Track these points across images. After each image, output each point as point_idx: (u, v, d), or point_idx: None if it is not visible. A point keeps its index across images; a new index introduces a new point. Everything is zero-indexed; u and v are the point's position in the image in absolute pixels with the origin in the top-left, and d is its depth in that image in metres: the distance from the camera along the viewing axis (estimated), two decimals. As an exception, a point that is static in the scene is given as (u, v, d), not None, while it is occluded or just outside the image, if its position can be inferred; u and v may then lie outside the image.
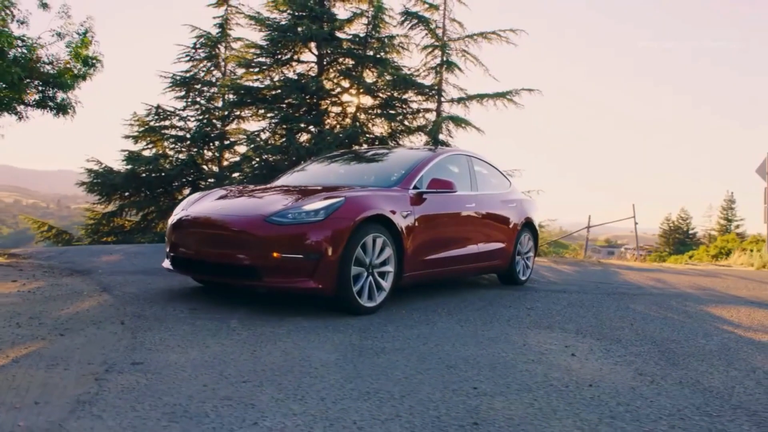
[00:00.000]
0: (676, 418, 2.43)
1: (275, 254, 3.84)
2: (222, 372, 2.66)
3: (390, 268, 4.33)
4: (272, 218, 3.93)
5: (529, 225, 6.50)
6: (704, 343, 3.92)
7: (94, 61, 8.01)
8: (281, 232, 3.87)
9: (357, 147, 11.60)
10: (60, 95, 7.86)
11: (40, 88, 7.76)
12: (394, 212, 4.36)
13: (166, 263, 4.57)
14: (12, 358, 2.72)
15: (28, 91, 7.66)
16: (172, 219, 4.56)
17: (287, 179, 5.65)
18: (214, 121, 14.60)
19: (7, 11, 7.33)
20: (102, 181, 13.15)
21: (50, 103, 7.80)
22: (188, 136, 14.24)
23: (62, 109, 7.88)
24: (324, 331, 3.60)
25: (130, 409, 2.15)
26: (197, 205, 4.57)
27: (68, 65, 7.85)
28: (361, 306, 4.11)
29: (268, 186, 5.25)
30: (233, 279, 4.07)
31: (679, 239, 54.91)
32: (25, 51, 7.46)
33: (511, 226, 6.08)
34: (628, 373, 3.08)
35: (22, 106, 7.77)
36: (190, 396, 2.32)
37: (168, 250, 4.54)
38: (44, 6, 7.84)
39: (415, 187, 4.79)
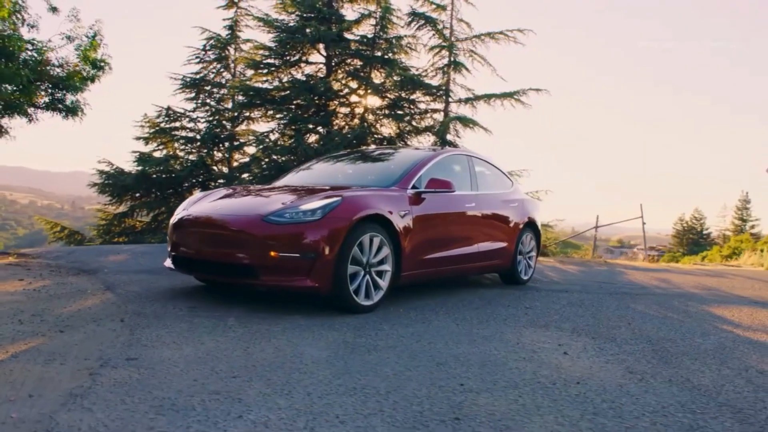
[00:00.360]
0: (659, 415, 2.45)
1: (273, 253, 3.90)
2: (213, 367, 2.72)
3: (387, 267, 4.38)
4: (270, 218, 3.99)
5: (531, 225, 6.51)
6: (700, 342, 3.92)
7: (102, 64, 8.15)
8: (278, 232, 3.93)
9: (364, 147, 11.66)
10: (69, 97, 8.01)
11: (49, 90, 7.91)
12: (391, 212, 4.40)
13: (168, 262, 4.65)
14: (11, 353, 2.80)
15: (38, 94, 7.80)
16: (174, 219, 4.63)
17: (291, 178, 5.71)
18: (224, 122, 14.73)
19: (18, 15, 7.48)
20: (113, 182, 13.32)
21: (60, 105, 7.95)
22: (198, 137, 14.37)
23: (71, 111, 8.02)
24: (319, 329, 3.65)
25: (120, 402, 2.21)
26: (198, 204, 4.65)
27: (77, 68, 7.99)
28: (359, 305, 4.16)
29: (270, 186, 5.32)
30: (232, 278, 4.13)
31: (693, 240, 54.38)
32: (35, 54, 7.61)
33: (512, 225, 6.10)
34: (618, 371, 3.10)
35: (32, 109, 7.93)
36: (179, 390, 2.38)
37: (169, 249, 4.62)
38: (53, 10, 7.99)
39: (413, 187, 4.83)
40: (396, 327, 3.85)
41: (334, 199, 4.11)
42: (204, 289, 4.91)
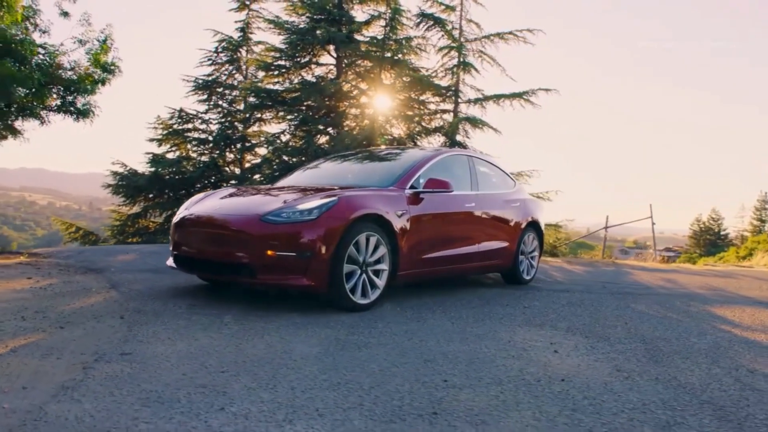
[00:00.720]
0: (638, 411, 2.47)
1: (270, 252, 3.97)
2: (203, 363, 2.79)
3: (384, 266, 4.43)
4: (267, 217, 4.06)
5: (533, 225, 6.51)
6: (695, 342, 3.92)
7: (112, 67, 8.32)
8: (275, 231, 4.00)
9: (372, 147, 11.73)
10: (80, 100, 8.18)
11: (60, 93, 8.09)
12: (388, 212, 4.45)
13: (170, 261, 4.74)
14: (11, 347, 2.89)
15: (50, 97, 7.97)
16: (176, 218, 4.73)
17: (296, 178, 5.77)
18: (236, 123, 14.90)
19: (30, 20, 7.66)
20: (127, 183, 13.53)
21: (71, 108, 8.12)
22: (210, 138, 14.55)
23: (83, 113, 8.20)
24: (314, 326, 3.71)
25: (108, 395, 2.29)
26: (200, 204, 4.74)
27: (88, 71, 8.16)
28: (355, 303, 4.21)
29: (271, 186, 5.40)
30: (231, 276, 4.21)
31: (711, 240, 53.70)
32: (47, 58, 7.78)
33: (513, 225, 6.11)
34: (605, 369, 3.12)
35: (44, 111, 8.11)
36: (167, 384, 2.46)
37: (171, 248, 4.71)
38: (65, 15, 8.17)
39: (412, 187, 4.88)
40: (390, 325, 3.90)
41: (331, 199, 4.17)
42: (206, 287, 5.00)
